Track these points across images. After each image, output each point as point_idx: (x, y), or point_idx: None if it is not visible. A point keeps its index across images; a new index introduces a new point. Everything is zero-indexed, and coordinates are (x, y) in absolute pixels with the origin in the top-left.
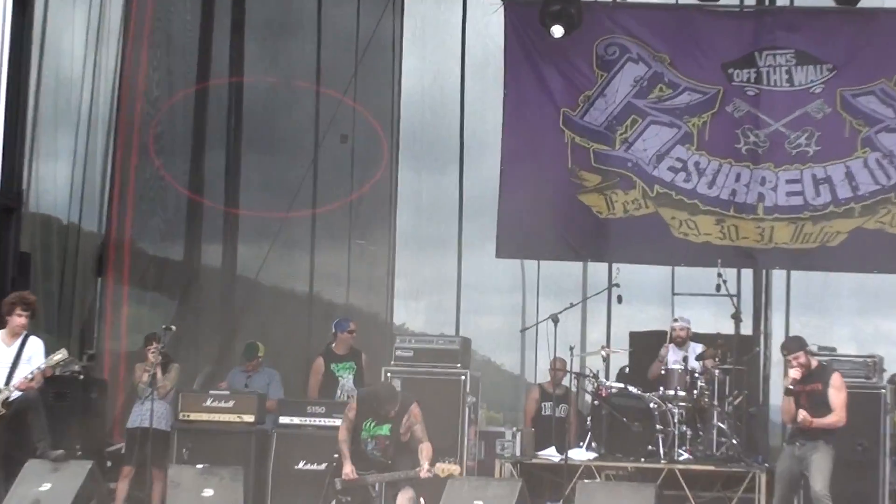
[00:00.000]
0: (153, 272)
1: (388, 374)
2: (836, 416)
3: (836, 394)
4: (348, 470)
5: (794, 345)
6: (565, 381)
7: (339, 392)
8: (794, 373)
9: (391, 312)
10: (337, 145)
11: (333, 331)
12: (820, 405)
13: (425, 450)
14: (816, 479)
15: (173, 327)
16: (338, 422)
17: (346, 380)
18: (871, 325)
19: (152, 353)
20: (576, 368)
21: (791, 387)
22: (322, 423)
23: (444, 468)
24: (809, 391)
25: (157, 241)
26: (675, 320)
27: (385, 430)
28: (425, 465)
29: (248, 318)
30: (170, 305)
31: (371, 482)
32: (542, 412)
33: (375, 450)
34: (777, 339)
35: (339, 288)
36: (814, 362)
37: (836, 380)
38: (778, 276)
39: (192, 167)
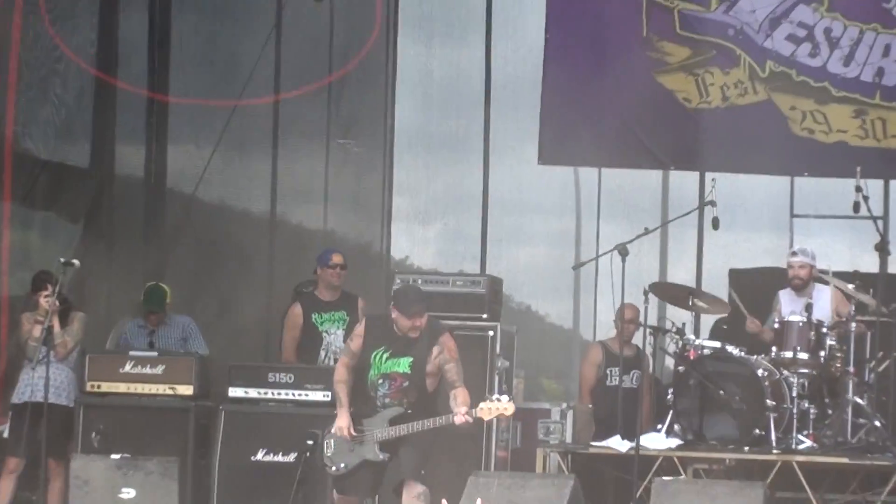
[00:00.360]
0: (46, 184)
1: None
2: None
3: None
4: (343, 424)
5: None
6: (636, 338)
7: (323, 354)
8: None
9: (387, 242)
10: (309, 3)
11: (316, 267)
12: None
13: (460, 395)
14: None
15: (76, 262)
16: (312, 395)
17: (334, 336)
18: None
19: (46, 298)
20: (652, 321)
21: None
22: (289, 396)
23: (490, 408)
24: None
25: (52, 140)
26: (794, 254)
27: (403, 365)
28: (462, 408)
29: (182, 250)
30: (71, 231)
31: (379, 439)
32: (607, 381)
33: (388, 395)
34: None
35: (312, 207)
36: None
37: None
38: None
39: (102, 35)
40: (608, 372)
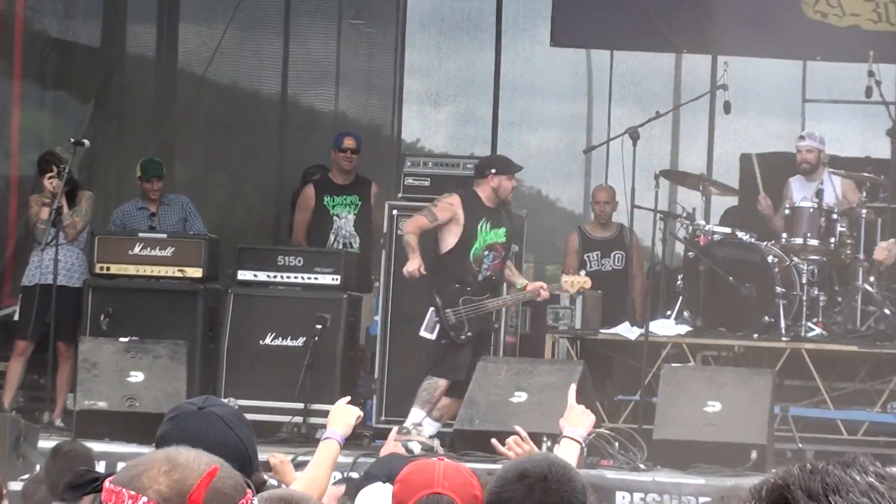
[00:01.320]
0: (56, 62)
1: (395, 213)
2: None
3: None
4: (414, 267)
5: None
6: (617, 217)
7: (332, 238)
8: None
9: (398, 124)
10: None
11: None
12: None
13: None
14: None
15: (86, 142)
16: (321, 279)
17: (345, 220)
18: None
19: (51, 180)
20: (663, 206)
21: None
22: (298, 279)
23: (573, 281)
24: None
25: (62, 19)
26: (801, 138)
27: (500, 235)
28: (538, 283)
29: (193, 131)
30: (81, 111)
31: (493, 307)
32: (587, 267)
33: (490, 267)
34: None
35: (324, 88)
36: None
37: None
38: None
39: None
40: (586, 258)
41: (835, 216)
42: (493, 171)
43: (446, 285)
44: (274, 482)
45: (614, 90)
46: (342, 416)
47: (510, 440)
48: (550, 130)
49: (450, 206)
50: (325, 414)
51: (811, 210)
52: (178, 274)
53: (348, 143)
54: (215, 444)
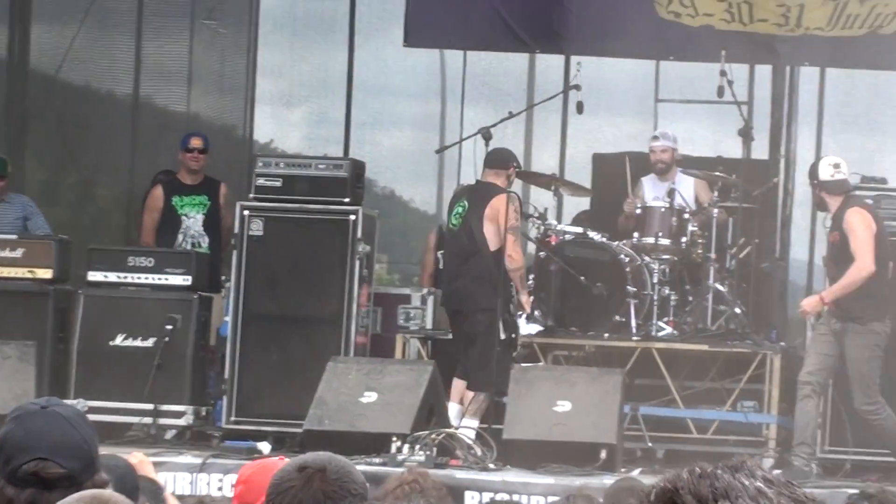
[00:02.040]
0: None
1: (246, 213)
2: (856, 266)
3: (855, 237)
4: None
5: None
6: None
7: (181, 237)
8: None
9: (250, 125)
10: None
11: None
12: (842, 262)
13: None
14: (854, 386)
15: None
16: (172, 279)
17: (194, 220)
18: None
19: None
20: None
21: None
22: (148, 280)
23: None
24: (831, 242)
25: None
26: (655, 138)
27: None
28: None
29: (46, 131)
30: None
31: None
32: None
33: None
34: (804, 165)
35: (177, 89)
36: (833, 202)
37: (851, 218)
38: (808, 75)
39: None
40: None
41: (686, 216)
42: (512, 164)
43: (501, 287)
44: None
45: (468, 90)
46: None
47: None
48: (403, 131)
49: (519, 211)
50: (175, 414)
51: (662, 210)
52: (28, 275)
53: (195, 143)
54: (59, 444)
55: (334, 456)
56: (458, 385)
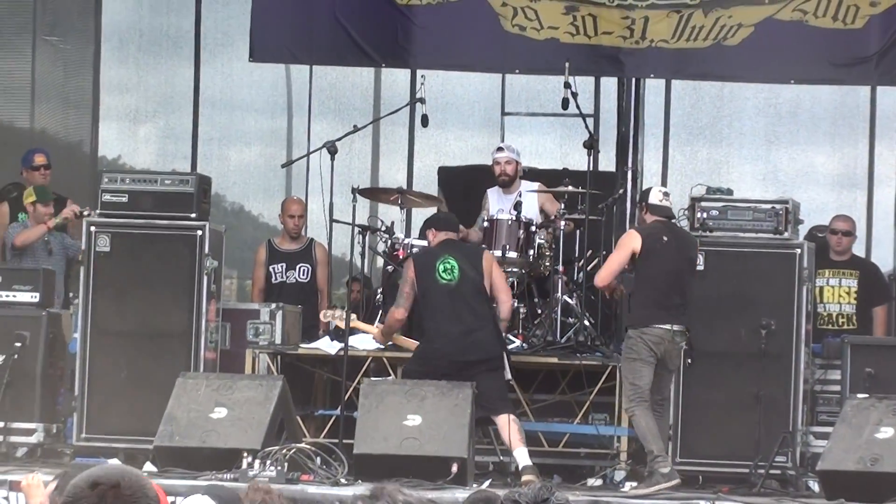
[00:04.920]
0: None
1: (93, 229)
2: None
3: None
4: None
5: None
6: (316, 231)
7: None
8: None
9: (96, 141)
10: None
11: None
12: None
13: None
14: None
15: None
16: (20, 296)
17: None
18: (783, 157)
19: None
20: (363, 220)
21: None
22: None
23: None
24: None
25: None
26: (499, 149)
27: None
28: None
29: None
30: None
31: None
32: (273, 279)
33: None
34: (651, 177)
35: (21, 106)
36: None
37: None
38: (654, 87)
39: None
40: (271, 269)
41: (533, 228)
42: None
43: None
44: None
45: (314, 105)
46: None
47: None
48: (251, 146)
49: None
50: (25, 432)
51: (509, 222)
52: None
53: (39, 160)
54: None
55: (127, 469)
56: (505, 426)
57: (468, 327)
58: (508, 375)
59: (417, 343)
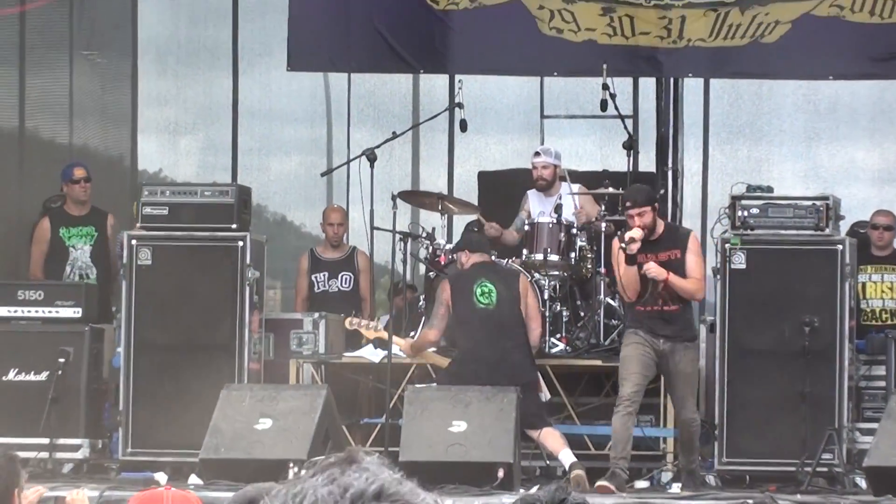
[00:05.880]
0: None
1: (134, 242)
2: (697, 283)
3: (697, 261)
4: None
5: (640, 196)
6: (357, 239)
7: (69, 269)
8: (636, 233)
9: (135, 154)
10: None
11: (62, 183)
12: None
13: None
14: (685, 400)
15: None
16: (62, 312)
17: (81, 251)
18: (824, 154)
19: None
20: (403, 227)
21: (625, 249)
22: (39, 313)
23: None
24: (665, 261)
25: None
26: (537, 154)
27: None
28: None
29: None
30: None
31: None
32: (315, 288)
33: None
34: (691, 176)
35: (62, 121)
36: (660, 225)
37: (694, 244)
38: (692, 87)
39: None
40: (314, 278)
41: (574, 231)
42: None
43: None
44: None
45: (353, 112)
46: None
47: None
48: (291, 155)
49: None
50: (70, 448)
51: (550, 225)
52: None
53: (79, 173)
54: None
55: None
56: (545, 437)
57: (504, 351)
58: (547, 396)
59: (447, 360)
